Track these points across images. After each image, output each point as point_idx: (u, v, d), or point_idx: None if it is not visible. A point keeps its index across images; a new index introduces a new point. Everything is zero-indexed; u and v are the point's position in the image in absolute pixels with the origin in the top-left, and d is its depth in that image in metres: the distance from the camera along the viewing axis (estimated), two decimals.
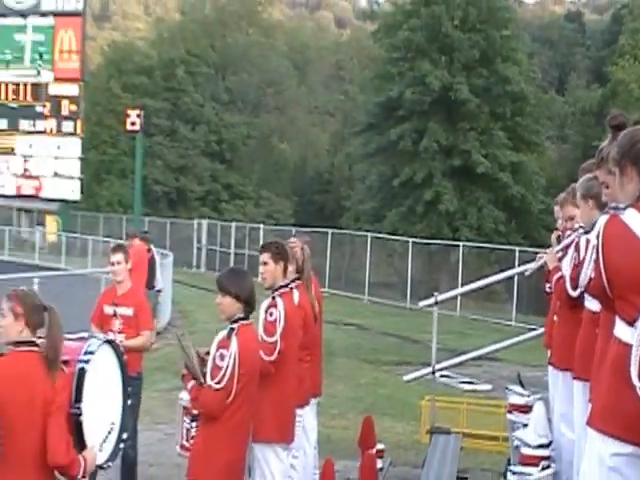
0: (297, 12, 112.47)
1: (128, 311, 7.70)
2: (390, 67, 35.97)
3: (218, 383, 5.12)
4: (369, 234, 29.81)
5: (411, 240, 28.01)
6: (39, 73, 42.62)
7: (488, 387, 13.17)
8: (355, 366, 15.77)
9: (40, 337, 4.45)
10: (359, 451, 7.49)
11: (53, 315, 4.44)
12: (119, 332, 7.48)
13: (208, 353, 5.41)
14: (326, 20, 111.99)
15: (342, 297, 27.61)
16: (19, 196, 43.31)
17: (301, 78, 56.05)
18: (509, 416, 7.21)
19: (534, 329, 9.47)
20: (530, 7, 77.60)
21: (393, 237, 30.43)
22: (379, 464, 7.42)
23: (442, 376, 9.24)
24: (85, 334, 5.19)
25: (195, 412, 5.78)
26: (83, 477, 4.51)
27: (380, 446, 7.77)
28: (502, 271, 12.09)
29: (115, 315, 7.70)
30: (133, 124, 37.67)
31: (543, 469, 5.91)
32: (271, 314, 6.07)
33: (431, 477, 6.89)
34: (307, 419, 7.00)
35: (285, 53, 55.83)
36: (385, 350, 17.79)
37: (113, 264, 7.79)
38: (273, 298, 6.17)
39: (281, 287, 6.29)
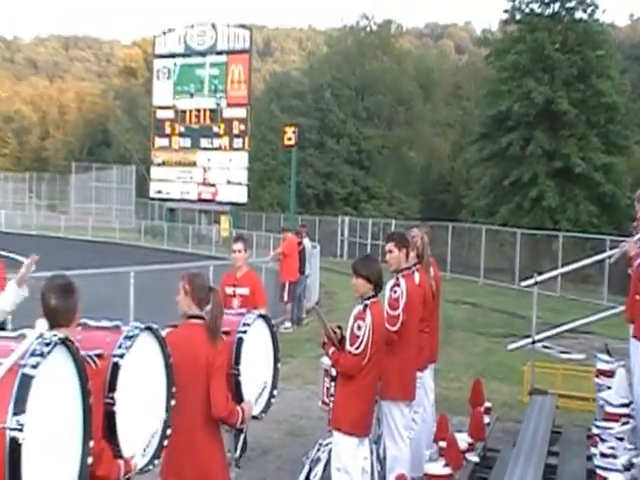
0: (423, 41, 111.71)
1: (245, 291, 7.75)
2: (500, 85, 35.39)
3: (357, 348, 5.23)
4: (483, 226, 29.45)
5: (519, 231, 27.58)
6: (217, 101, 43.69)
7: (582, 356, 12.79)
8: (469, 337, 15.63)
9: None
10: (470, 408, 7.39)
11: (216, 294, 4.58)
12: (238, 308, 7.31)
13: (339, 327, 5.51)
14: (447, 47, 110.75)
15: (460, 280, 27.35)
16: (200, 200, 44.52)
17: (426, 97, 55.55)
18: (596, 380, 7.02)
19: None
20: (622, 29, 74.45)
21: (504, 229, 30.06)
22: (486, 419, 7.32)
23: (544, 347, 9.02)
24: (243, 310, 5.25)
25: (333, 374, 5.87)
26: (242, 423, 4.61)
27: (488, 404, 7.66)
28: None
29: (234, 295, 7.65)
30: (289, 139, 38.12)
31: (623, 424, 5.75)
32: (395, 292, 6.12)
33: (530, 431, 6.78)
34: (426, 381, 6.99)
35: (413, 76, 55.40)
36: (495, 324, 17.55)
37: (234, 252, 7.67)
38: (397, 278, 6.21)
39: (404, 269, 6.29)
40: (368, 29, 57.81)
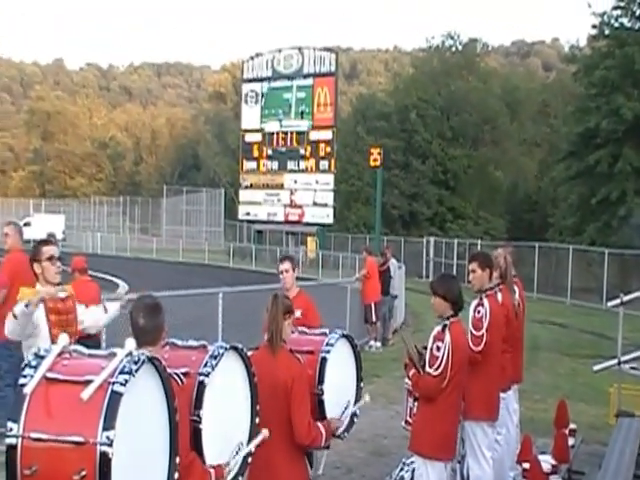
0: (509, 60, 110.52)
1: (297, 313, 7.52)
2: (588, 102, 34.61)
3: (436, 370, 5.19)
4: (570, 246, 28.84)
5: (607, 250, 26.85)
6: (303, 124, 44.17)
7: None
8: (556, 358, 15.28)
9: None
10: (555, 430, 7.27)
11: (274, 302, 4.55)
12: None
13: (425, 347, 5.48)
14: (534, 65, 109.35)
15: (547, 300, 26.81)
16: (287, 222, 44.98)
17: (513, 115, 54.87)
18: None
19: None
20: None
21: (591, 248, 29.27)
22: (571, 441, 7.19)
23: (631, 368, 8.77)
24: (326, 330, 5.27)
25: (417, 395, 5.85)
26: (327, 441, 4.62)
27: (573, 426, 7.53)
28: None
29: None
30: (375, 160, 38.19)
31: None
32: (478, 312, 6.09)
33: (616, 453, 6.61)
34: (510, 402, 6.91)
35: (499, 95, 54.82)
36: (582, 345, 17.11)
37: (282, 272, 7.01)
38: (480, 298, 6.18)
39: (487, 289, 6.26)
40: (454, 49, 57.61)
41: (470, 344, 5.90)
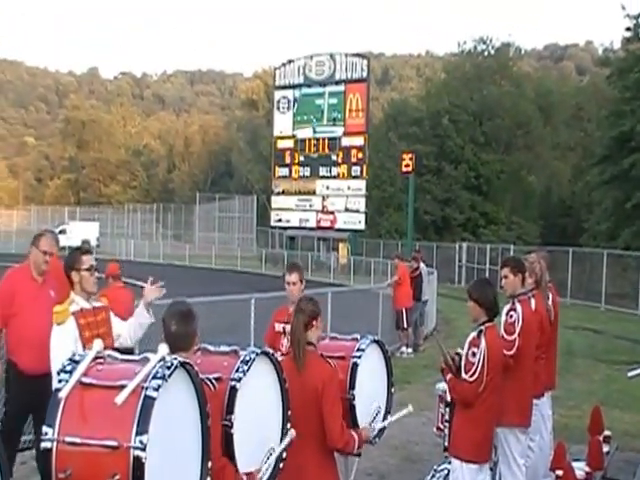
0: (542, 64, 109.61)
1: None
2: (623, 105, 34.23)
3: (472, 376, 5.18)
4: (605, 251, 28.43)
5: None
6: (335, 130, 44.21)
7: None
8: (590, 365, 15.10)
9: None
10: (589, 437, 7.19)
11: (297, 317, 4.52)
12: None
13: (457, 354, 5.47)
14: (568, 69, 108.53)
15: (582, 306, 26.51)
16: (319, 228, 44.98)
17: (546, 120, 54.42)
18: None
19: None
20: None
21: (626, 252, 28.85)
22: (606, 448, 7.11)
23: None
24: (357, 335, 5.27)
25: (448, 400, 5.84)
26: (359, 449, 4.62)
27: (607, 433, 7.44)
28: None
29: (284, 332, 6.19)
30: (407, 166, 38.05)
31: None
32: (511, 316, 6.06)
33: None
34: (543, 408, 6.85)
35: (532, 99, 54.39)
36: (617, 351, 16.85)
37: (289, 284, 6.40)
38: (513, 303, 6.14)
39: (520, 295, 6.23)
40: (486, 53, 57.34)
41: (502, 349, 5.88)
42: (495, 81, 55.74)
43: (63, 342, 4.77)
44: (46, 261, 6.15)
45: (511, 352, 5.87)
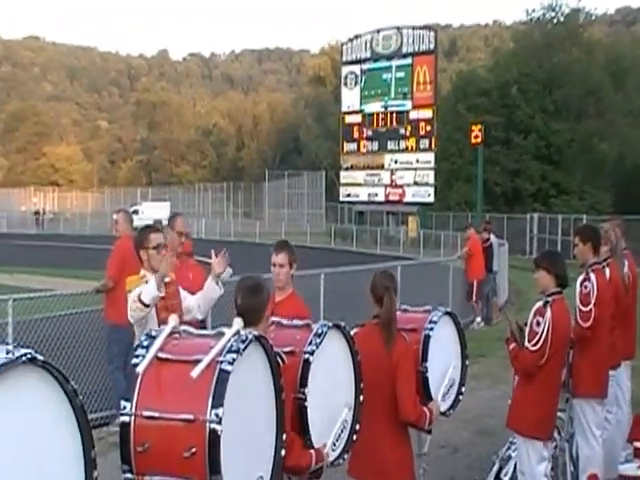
0: (614, 29, 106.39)
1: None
2: None
3: (534, 345, 5.09)
4: None
5: None
6: (403, 103, 43.92)
7: None
8: None
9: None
10: None
11: (389, 295, 4.46)
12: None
13: (526, 323, 5.38)
14: None
15: None
16: (387, 202, 44.92)
17: (618, 86, 52.81)
18: None
19: None
20: None
21: None
22: None
23: None
24: (429, 307, 5.21)
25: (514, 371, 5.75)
26: (430, 424, 4.59)
27: None
28: None
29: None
30: (476, 137, 37.69)
31: None
32: (585, 287, 5.93)
33: None
34: (621, 379, 6.73)
35: (603, 65, 52.88)
36: None
37: (274, 265, 5.42)
38: (586, 273, 6.00)
39: (594, 264, 6.08)
40: (555, 20, 55.93)
41: (579, 320, 5.80)
42: (565, 48, 54.36)
43: (135, 316, 4.91)
44: (181, 243, 6.34)
45: (588, 323, 5.77)
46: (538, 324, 5.12)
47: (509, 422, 5.41)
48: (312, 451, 3.70)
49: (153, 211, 51.92)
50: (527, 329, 5.22)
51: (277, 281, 5.34)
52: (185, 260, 9.47)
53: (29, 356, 2.26)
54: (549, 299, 5.20)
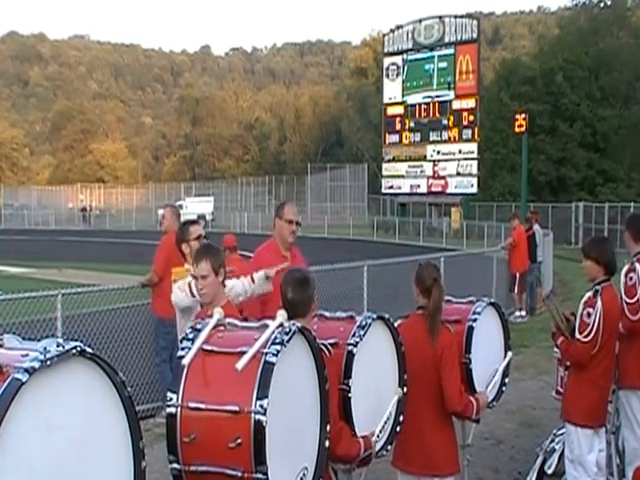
0: None
1: None
2: None
3: (586, 337, 5.06)
4: None
5: None
6: (446, 93, 43.63)
7: None
8: None
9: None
10: None
11: (437, 286, 4.46)
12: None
13: (573, 314, 5.33)
14: None
15: None
16: (430, 193, 44.72)
17: None
18: None
19: None
20: None
21: None
22: None
23: None
24: (472, 298, 5.19)
25: (567, 363, 5.70)
26: (477, 415, 4.59)
27: None
28: None
29: None
30: (520, 126, 37.25)
31: None
32: (630, 278, 5.75)
33: None
34: None
35: None
36: None
37: (195, 278, 4.40)
38: (632, 263, 5.84)
39: (638, 253, 5.97)
40: (602, 4, 55.00)
41: (626, 313, 5.67)
42: (612, 33, 53.47)
43: (179, 297, 5.00)
44: (293, 231, 5.89)
45: (636, 316, 5.61)
46: (589, 315, 5.08)
47: (562, 412, 5.41)
48: (360, 439, 3.74)
49: (196, 206, 52.37)
50: (578, 320, 5.18)
51: (203, 296, 4.39)
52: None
53: (79, 349, 2.32)
54: (598, 287, 5.17)
